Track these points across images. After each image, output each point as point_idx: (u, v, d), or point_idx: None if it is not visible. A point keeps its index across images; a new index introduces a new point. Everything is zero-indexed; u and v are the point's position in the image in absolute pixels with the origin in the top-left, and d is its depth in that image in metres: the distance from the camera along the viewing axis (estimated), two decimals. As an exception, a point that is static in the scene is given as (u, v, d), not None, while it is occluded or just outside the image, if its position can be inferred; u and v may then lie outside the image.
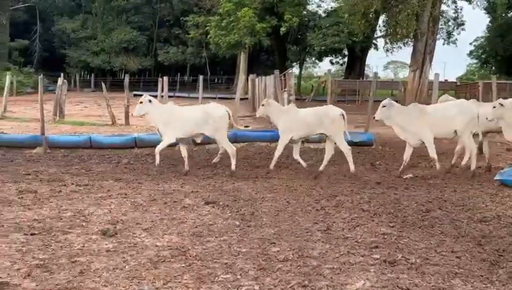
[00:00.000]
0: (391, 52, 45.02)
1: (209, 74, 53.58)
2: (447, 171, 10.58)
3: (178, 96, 38.10)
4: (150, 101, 10.54)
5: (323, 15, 45.96)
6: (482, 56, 54.13)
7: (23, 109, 26.39)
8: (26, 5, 56.53)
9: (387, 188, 9.14)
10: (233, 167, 10.46)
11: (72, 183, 9.23)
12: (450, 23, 46.30)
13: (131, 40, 54.42)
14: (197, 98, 21.17)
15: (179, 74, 53.17)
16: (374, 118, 10.54)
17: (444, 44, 46.62)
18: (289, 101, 15.59)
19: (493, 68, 51.57)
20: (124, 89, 20.83)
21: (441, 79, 33.76)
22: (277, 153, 10.71)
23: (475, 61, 60.17)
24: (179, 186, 9.19)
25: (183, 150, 10.69)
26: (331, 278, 4.94)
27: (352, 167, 10.45)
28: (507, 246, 5.90)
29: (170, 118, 10.48)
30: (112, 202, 7.88)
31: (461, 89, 37.28)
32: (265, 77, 23.76)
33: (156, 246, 5.83)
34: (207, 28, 41.95)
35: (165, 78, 19.86)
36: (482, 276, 5.05)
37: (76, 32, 55.64)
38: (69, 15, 58.19)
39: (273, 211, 7.46)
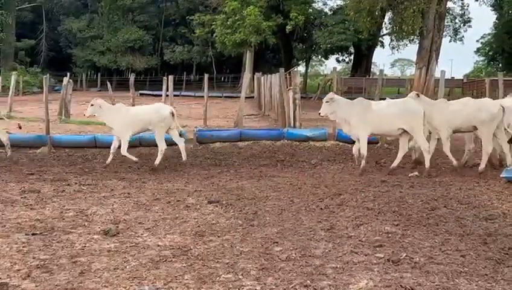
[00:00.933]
0: (397, 50, 44.95)
1: (215, 72, 53.49)
2: (455, 169, 10.42)
3: (184, 95, 38.09)
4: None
5: (329, 13, 45.88)
6: (489, 53, 53.80)
7: (29, 109, 26.40)
8: (32, 4, 56.66)
9: (392, 186, 9.05)
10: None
11: (76, 183, 9.22)
12: (456, 20, 46.12)
13: (137, 39, 54.37)
14: (203, 96, 21.11)
15: (185, 73, 53.16)
16: (319, 114, 10.52)
17: (450, 41, 46.47)
18: (294, 100, 15.50)
19: (500, 65, 51.25)
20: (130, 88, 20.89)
21: (448, 76, 33.58)
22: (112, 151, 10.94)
23: (482, 58, 59.84)
24: (183, 186, 9.16)
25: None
26: (334, 277, 4.88)
27: (157, 162, 10.70)
28: (513, 244, 5.82)
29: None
30: (114, 202, 7.86)
31: (468, 86, 37.08)
32: (271, 75, 23.70)
33: (158, 245, 5.79)
34: (213, 26, 41.92)
35: (171, 77, 19.77)
36: (487, 275, 4.97)
37: (82, 31, 55.64)
38: (75, 14, 58.24)
39: (276, 210, 7.41)
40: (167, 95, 19.72)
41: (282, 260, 5.33)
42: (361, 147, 10.38)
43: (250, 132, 14.54)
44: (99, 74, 56.25)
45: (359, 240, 5.97)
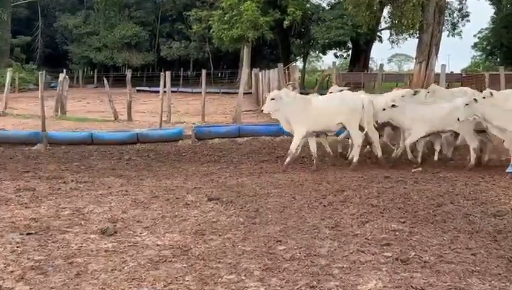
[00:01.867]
0: (396, 44, 44.89)
1: (212, 68, 53.31)
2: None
3: (181, 91, 37.89)
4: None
5: (326, 7, 45.72)
6: (487, 48, 53.72)
7: (25, 106, 26.19)
8: (28, 1, 56.30)
9: (396, 182, 8.84)
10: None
11: (72, 181, 9.01)
12: (454, 15, 45.97)
13: (133, 35, 54.17)
14: (200, 92, 20.92)
15: (182, 69, 52.91)
16: (262, 110, 10.27)
17: (448, 36, 46.29)
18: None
19: (498, 60, 51.16)
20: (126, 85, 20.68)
21: (447, 71, 33.43)
22: None
23: (479, 53, 59.76)
24: (182, 183, 8.96)
25: None
26: (341, 278, 4.68)
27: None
28: (524, 241, 5.63)
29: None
30: (112, 200, 7.66)
31: (468, 80, 36.93)
32: (269, 71, 23.53)
33: (157, 245, 5.58)
34: (210, 22, 41.76)
35: (168, 73, 19.57)
36: (500, 274, 4.77)
37: (78, 28, 55.43)
38: (71, 11, 58.04)
39: (278, 207, 7.19)
40: (165, 92, 19.51)
41: (286, 259, 5.13)
42: (293, 143, 10.07)
43: (249, 127, 14.37)
44: (95, 71, 56.02)
45: (365, 239, 5.76)
